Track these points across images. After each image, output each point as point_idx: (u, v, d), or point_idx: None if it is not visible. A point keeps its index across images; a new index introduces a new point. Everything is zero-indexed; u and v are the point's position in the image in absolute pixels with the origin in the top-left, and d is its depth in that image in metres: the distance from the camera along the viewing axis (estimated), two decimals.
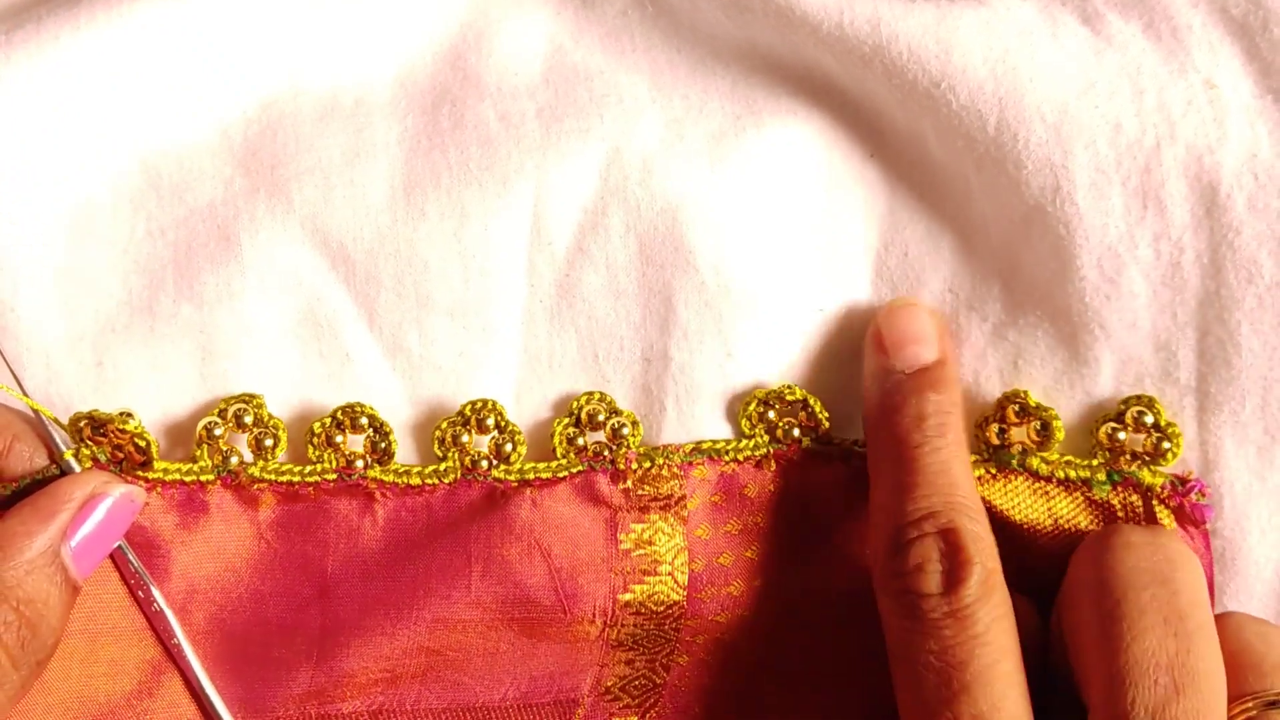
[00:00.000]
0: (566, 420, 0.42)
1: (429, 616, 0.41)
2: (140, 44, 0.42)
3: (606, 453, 0.42)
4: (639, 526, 0.42)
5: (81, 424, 0.40)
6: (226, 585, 0.41)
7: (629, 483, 0.42)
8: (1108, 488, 0.40)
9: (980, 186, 0.42)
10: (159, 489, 0.40)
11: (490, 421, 0.42)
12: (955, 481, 0.37)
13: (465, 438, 0.42)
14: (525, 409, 0.43)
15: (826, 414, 0.42)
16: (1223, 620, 0.37)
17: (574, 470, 0.41)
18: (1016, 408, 0.41)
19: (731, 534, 0.42)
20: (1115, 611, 0.35)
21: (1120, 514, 0.40)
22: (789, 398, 0.42)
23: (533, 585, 0.41)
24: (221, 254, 0.42)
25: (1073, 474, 0.40)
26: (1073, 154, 0.40)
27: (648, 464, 0.41)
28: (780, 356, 0.43)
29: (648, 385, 0.43)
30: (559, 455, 0.42)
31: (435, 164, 0.43)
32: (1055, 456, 0.41)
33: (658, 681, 0.41)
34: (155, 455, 0.40)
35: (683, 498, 0.42)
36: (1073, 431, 0.42)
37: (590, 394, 0.42)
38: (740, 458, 0.42)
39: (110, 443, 0.40)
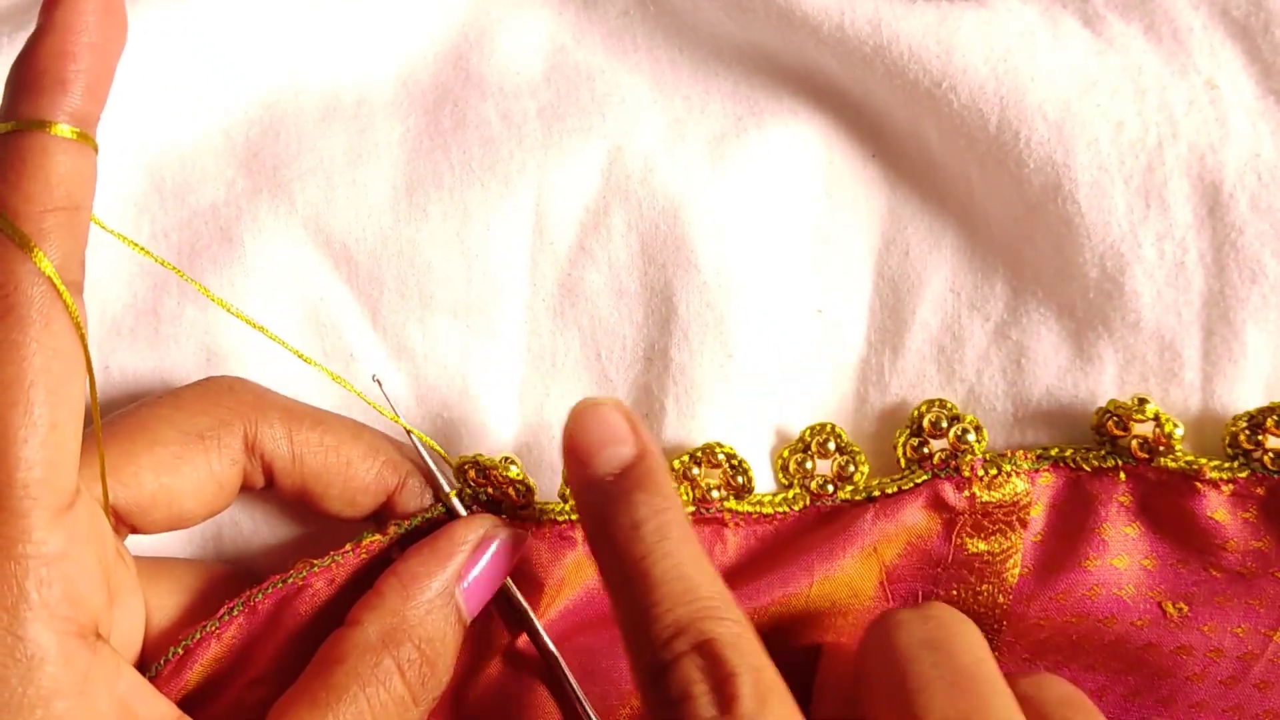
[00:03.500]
0: (907, 431, 0.41)
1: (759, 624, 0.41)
2: (142, 46, 0.42)
3: (952, 460, 0.41)
4: (977, 530, 0.41)
5: (466, 467, 0.41)
6: (580, 609, 0.42)
7: (974, 489, 0.41)
8: None
9: (982, 185, 0.42)
10: (533, 528, 0.41)
11: (831, 445, 0.41)
12: (694, 584, 0.34)
13: (809, 464, 0.42)
14: (528, 408, 0.43)
15: (1179, 430, 0.40)
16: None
17: (919, 481, 0.41)
18: (1276, 418, 0.39)
19: (1069, 542, 0.41)
20: (903, 687, 0.35)
21: None
22: (1138, 417, 0.40)
23: (865, 589, 0.41)
24: (225, 255, 0.42)
25: None
26: (1074, 152, 0.40)
27: (994, 471, 0.41)
28: (781, 357, 0.43)
29: (649, 385, 0.43)
30: (903, 467, 0.41)
31: (437, 164, 0.43)
32: None
33: None
34: (534, 500, 0.41)
35: (1028, 505, 0.41)
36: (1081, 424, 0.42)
37: (930, 402, 0.41)
38: (1087, 467, 0.41)
39: (492, 485, 0.41)
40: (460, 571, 0.38)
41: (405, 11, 0.45)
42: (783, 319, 0.43)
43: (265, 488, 0.40)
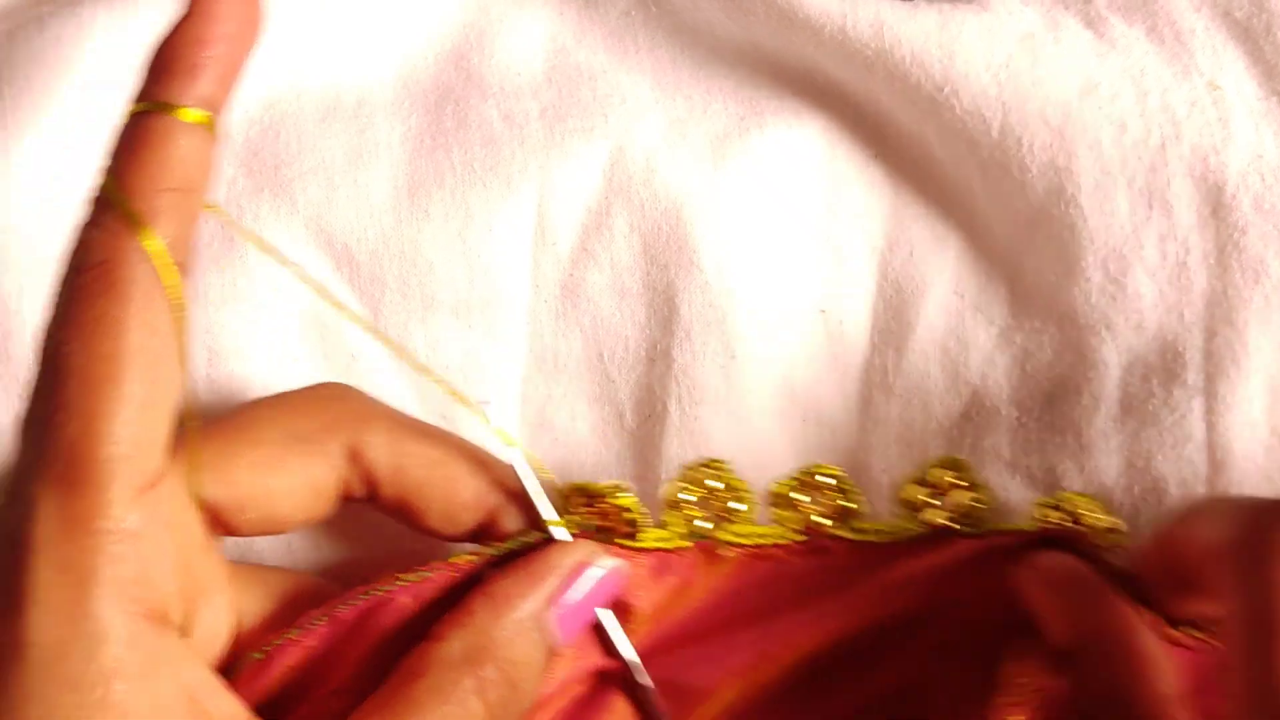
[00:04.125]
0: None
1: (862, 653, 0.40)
2: (142, 44, 0.42)
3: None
4: None
5: (572, 493, 0.39)
6: (680, 642, 0.40)
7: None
8: None
9: (984, 190, 0.42)
10: (634, 554, 0.40)
11: (948, 480, 0.40)
12: None
13: (930, 497, 0.40)
14: (530, 409, 0.43)
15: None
16: None
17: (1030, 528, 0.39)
18: None
19: None
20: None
21: None
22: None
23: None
24: (226, 255, 0.42)
25: None
26: (1077, 156, 0.40)
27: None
28: (784, 357, 0.43)
29: (651, 385, 0.42)
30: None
31: (439, 164, 0.43)
32: None
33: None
34: (641, 529, 0.39)
35: None
36: None
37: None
38: None
39: (598, 512, 0.39)
40: (553, 595, 0.37)
41: (405, 11, 0.45)
42: (785, 319, 0.42)
43: (365, 500, 0.39)
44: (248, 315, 0.42)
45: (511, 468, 0.39)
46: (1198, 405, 0.40)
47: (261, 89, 0.44)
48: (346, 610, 0.37)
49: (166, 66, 0.33)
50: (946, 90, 0.41)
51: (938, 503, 0.40)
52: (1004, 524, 0.40)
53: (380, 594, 0.37)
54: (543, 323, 0.43)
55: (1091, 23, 0.41)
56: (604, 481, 0.40)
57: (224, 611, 0.37)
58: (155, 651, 0.32)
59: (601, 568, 0.38)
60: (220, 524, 0.37)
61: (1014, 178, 0.40)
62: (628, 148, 0.43)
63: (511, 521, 0.39)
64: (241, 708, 0.34)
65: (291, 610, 0.38)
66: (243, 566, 0.39)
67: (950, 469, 0.40)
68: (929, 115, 0.41)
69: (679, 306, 0.42)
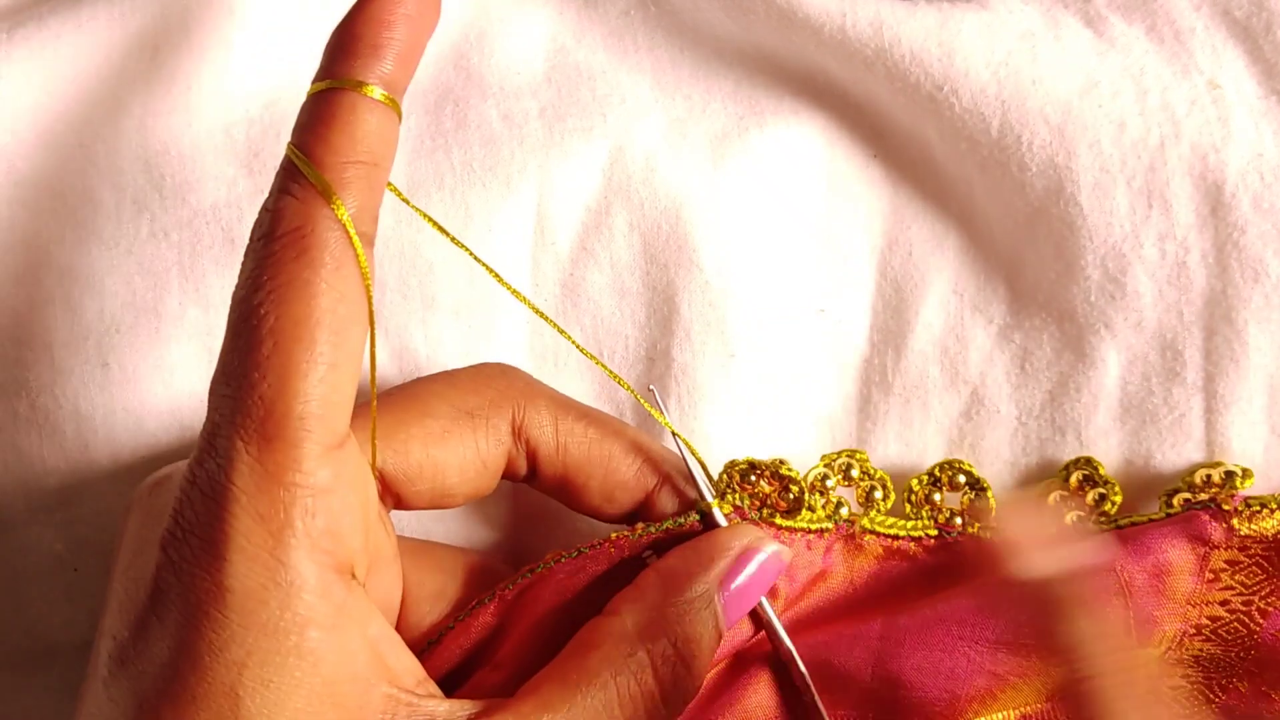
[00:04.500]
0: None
1: (991, 638, 0.39)
2: (141, 42, 0.42)
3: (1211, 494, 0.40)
4: (1230, 564, 0.39)
5: (731, 469, 0.40)
6: (815, 615, 0.41)
7: (1234, 522, 0.39)
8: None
9: (984, 189, 0.42)
10: (791, 537, 0.40)
11: (1094, 476, 0.41)
12: None
13: (1057, 498, 0.41)
14: None
15: None
16: None
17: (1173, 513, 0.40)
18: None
19: None
20: None
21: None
22: None
23: (1109, 615, 0.39)
24: (226, 257, 0.42)
25: None
26: (1076, 154, 0.40)
27: (1257, 506, 0.39)
28: (783, 356, 0.43)
29: (651, 385, 0.42)
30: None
31: (439, 164, 0.43)
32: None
33: (1211, 699, 0.40)
34: (805, 504, 0.40)
35: None
36: None
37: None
38: None
39: (757, 490, 0.40)
40: (723, 577, 0.38)
41: None
42: (785, 318, 0.43)
43: (526, 478, 0.40)
44: None
45: (668, 451, 0.40)
46: (1197, 404, 0.40)
47: (261, 88, 0.44)
48: (510, 590, 0.38)
49: (349, 45, 0.34)
50: (946, 89, 0.41)
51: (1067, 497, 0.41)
52: (1136, 515, 0.40)
53: (540, 571, 0.38)
54: (543, 322, 0.43)
55: (1091, 21, 0.41)
56: (766, 458, 0.40)
57: (394, 582, 0.38)
58: (344, 603, 0.32)
59: (766, 552, 0.39)
60: (391, 495, 0.38)
61: (1013, 176, 0.40)
62: (627, 147, 0.43)
63: (667, 503, 0.40)
64: (417, 666, 0.35)
65: (461, 587, 0.39)
66: (413, 541, 0.39)
67: (1083, 468, 0.41)
68: (928, 114, 0.41)
69: (679, 306, 0.42)
